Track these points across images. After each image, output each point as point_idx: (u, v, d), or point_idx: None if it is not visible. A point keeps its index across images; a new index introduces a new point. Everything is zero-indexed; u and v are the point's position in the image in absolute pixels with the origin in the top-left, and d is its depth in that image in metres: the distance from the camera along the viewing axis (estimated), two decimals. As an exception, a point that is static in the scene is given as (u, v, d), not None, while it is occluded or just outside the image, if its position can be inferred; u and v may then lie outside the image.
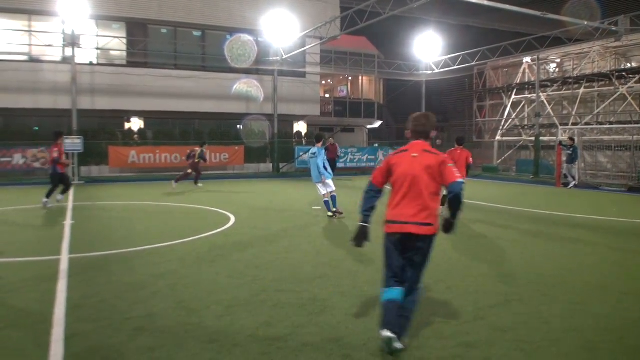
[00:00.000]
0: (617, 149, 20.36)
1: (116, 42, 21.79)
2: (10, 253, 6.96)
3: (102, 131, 21.24)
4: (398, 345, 3.57)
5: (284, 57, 22.64)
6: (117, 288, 5.25)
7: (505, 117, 28.48)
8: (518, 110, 27.90)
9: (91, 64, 21.46)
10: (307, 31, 21.24)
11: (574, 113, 24.76)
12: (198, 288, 5.27)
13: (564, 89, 25.55)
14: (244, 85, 23.48)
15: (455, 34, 29.96)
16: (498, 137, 28.36)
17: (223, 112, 23.60)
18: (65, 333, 4.01)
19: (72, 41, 18.85)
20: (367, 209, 3.80)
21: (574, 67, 25.48)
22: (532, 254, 7.02)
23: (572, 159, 17.88)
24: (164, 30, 23.11)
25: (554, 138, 21.01)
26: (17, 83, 19.56)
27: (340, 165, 22.90)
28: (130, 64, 22.18)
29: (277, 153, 23.38)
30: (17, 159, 18.83)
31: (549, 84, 25.81)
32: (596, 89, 24.30)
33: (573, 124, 23.20)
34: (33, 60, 20.53)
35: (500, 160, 27.53)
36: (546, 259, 6.72)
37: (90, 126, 20.95)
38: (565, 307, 4.74)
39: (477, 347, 3.80)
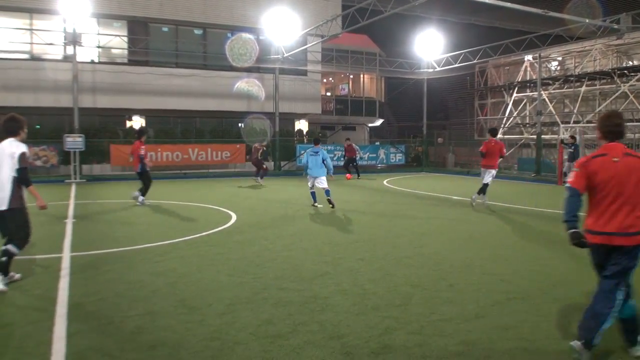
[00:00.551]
0: (618, 147, 20.28)
1: (117, 40, 21.79)
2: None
3: (103, 129, 21.29)
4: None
5: (285, 55, 22.61)
6: (118, 286, 5.26)
7: (506, 115, 28.46)
8: (519, 108, 27.89)
9: (92, 62, 21.48)
10: (309, 29, 21.20)
11: (575, 111, 24.74)
12: (199, 286, 5.27)
13: (566, 87, 25.53)
14: (245, 83, 23.48)
15: (456, 32, 29.89)
16: (499, 135, 28.29)
17: (224, 111, 23.63)
18: (67, 331, 4.02)
19: (73, 39, 18.82)
20: (575, 215, 3.61)
21: (576, 65, 25.45)
22: (534, 252, 7.01)
23: (573, 157, 17.83)
24: (165, 29, 23.10)
25: (556, 136, 21.01)
26: (18, 81, 19.58)
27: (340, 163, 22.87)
28: (132, 62, 22.20)
29: (277, 151, 23.39)
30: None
31: (550, 82, 25.79)
32: (598, 87, 24.28)
33: (574, 122, 23.18)
34: (34, 58, 20.56)
35: (501, 159, 27.46)
36: (547, 258, 6.71)
37: (92, 124, 21.01)
38: (567, 305, 4.73)
39: (478, 344, 3.80)
